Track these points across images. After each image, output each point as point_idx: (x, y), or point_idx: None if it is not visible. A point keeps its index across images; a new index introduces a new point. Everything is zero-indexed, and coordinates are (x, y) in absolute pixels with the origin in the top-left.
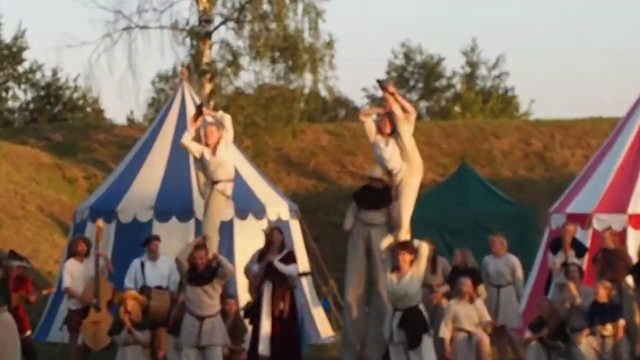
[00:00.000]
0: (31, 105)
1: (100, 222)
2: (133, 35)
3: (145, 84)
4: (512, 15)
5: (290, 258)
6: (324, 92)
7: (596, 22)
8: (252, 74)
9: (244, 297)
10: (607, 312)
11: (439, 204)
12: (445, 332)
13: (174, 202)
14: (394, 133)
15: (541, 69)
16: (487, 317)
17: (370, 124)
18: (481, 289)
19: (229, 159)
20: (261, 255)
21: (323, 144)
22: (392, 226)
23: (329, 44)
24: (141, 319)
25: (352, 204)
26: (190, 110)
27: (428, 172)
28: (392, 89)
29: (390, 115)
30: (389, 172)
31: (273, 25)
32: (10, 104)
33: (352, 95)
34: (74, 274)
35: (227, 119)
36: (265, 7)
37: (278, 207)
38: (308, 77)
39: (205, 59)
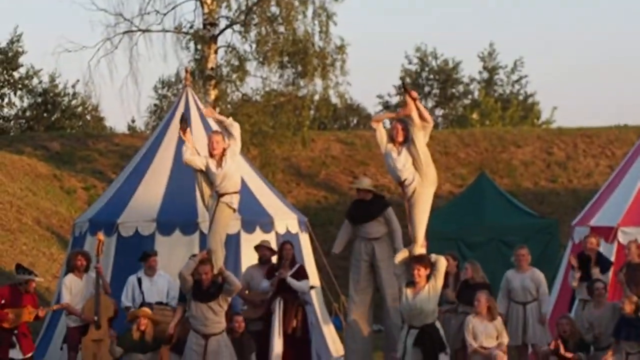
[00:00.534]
0: (27, 113)
1: (101, 235)
2: (134, 39)
3: (147, 90)
4: (531, 17)
5: (301, 273)
6: (334, 99)
7: (622, 27)
8: (259, 80)
9: None
10: (633, 327)
11: (456, 216)
12: (472, 342)
13: (178, 214)
14: (406, 142)
15: (563, 75)
16: (506, 338)
17: (381, 132)
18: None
19: (236, 171)
20: (270, 271)
21: (334, 154)
22: (391, 235)
23: (340, 48)
24: (152, 340)
25: (345, 223)
26: (195, 118)
27: (445, 183)
28: (415, 94)
29: (403, 123)
30: (401, 183)
31: (281, 29)
32: (5, 111)
33: (365, 102)
34: (73, 289)
35: (236, 128)
36: (274, 9)
37: (287, 220)
38: (318, 83)
39: (210, 64)
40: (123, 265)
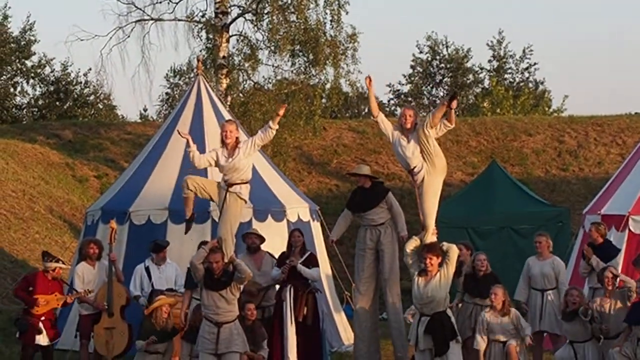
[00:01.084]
0: (40, 102)
1: (114, 223)
2: (146, 27)
3: (159, 79)
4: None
5: (312, 261)
6: (346, 88)
7: (633, 14)
8: (271, 69)
9: None
10: None
11: (467, 204)
12: (481, 343)
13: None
14: (415, 130)
15: (575, 63)
16: (527, 331)
17: (384, 121)
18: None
19: (247, 164)
20: (280, 259)
21: (345, 142)
22: (394, 220)
23: (352, 37)
24: (172, 328)
25: (344, 212)
26: (207, 107)
27: (456, 172)
28: (455, 104)
29: (411, 109)
30: (410, 171)
31: (293, 17)
32: (18, 100)
33: (376, 91)
34: (85, 278)
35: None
36: None
37: (298, 208)
38: (330, 71)
39: (222, 53)
40: (135, 254)
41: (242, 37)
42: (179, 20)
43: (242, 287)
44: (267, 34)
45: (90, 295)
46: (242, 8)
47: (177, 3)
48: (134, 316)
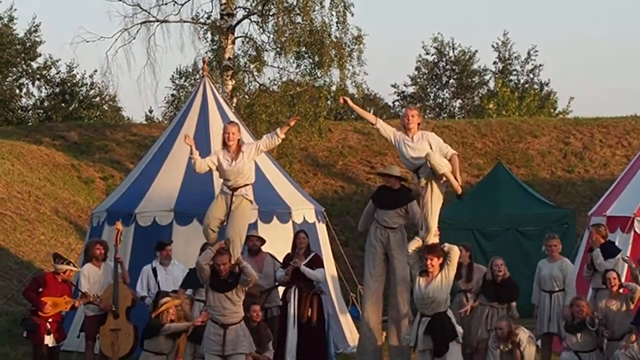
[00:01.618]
0: (46, 103)
1: (119, 225)
2: (152, 29)
3: (165, 80)
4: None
5: (316, 262)
6: (351, 89)
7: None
8: (276, 70)
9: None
10: None
11: (473, 206)
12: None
13: (195, 204)
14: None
15: (580, 65)
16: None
17: (383, 126)
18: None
19: (250, 168)
20: (285, 260)
21: (351, 144)
22: (416, 226)
23: (358, 39)
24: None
25: (369, 204)
26: (213, 109)
27: (461, 173)
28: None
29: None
30: (414, 172)
31: (299, 19)
32: (24, 101)
33: (382, 92)
34: (91, 279)
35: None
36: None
37: (304, 210)
38: (335, 73)
39: (228, 55)
40: (141, 255)
41: (247, 39)
42: (185, 21)
43: (246, 289)
44: (272, 35)
45: (98, 299)
46: (247, 10)
47: (182, 5)
48: (140, 317)
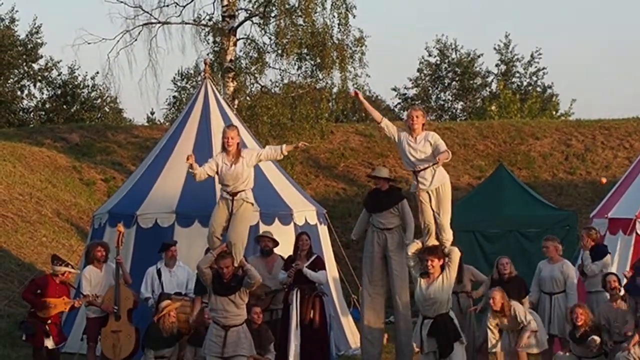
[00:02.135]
0: (47, 105)
1: (121, 227)
2: (154, 31)
3: (166, 82)
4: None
5: (318, 264)
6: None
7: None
8: (278, 72)
9: None
10: None
11: (475, 208)
12: (494, 342)
13: (197, 206)
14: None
15: (582, 67)
16: (529, 319)
17: (388, 124)
18: (525, 300)
19: (249, 172)
20: (287, 262)
21: (353, 146)
22: (404, 228)
23: (359, 41)
24: (177, 332)
25: (363, 211)
26: (214, 110)
27: (463, 175)
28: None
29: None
30: (415, 172)
31: (300, 21)
32: (25, 103)
33: (384, 95)
34: (93, 281)
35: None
36: (293, 1)
37: (305, 212)
38: (337, 75)
39: (229, 56)
40: (142, 257)
41: (249, 41)
42: (186, 23)
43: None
44: (274, 37)
45: (98, 299)
46: (249, 11)
47: (184, 6)
48: (143, 319)
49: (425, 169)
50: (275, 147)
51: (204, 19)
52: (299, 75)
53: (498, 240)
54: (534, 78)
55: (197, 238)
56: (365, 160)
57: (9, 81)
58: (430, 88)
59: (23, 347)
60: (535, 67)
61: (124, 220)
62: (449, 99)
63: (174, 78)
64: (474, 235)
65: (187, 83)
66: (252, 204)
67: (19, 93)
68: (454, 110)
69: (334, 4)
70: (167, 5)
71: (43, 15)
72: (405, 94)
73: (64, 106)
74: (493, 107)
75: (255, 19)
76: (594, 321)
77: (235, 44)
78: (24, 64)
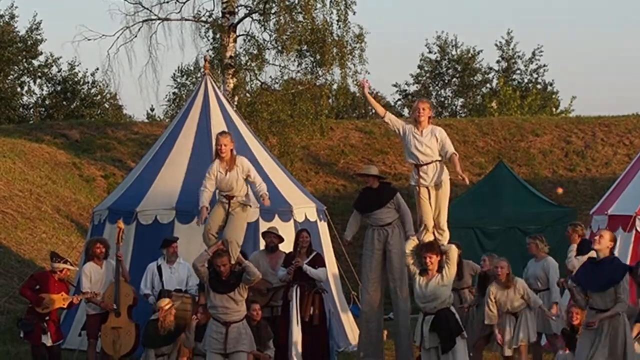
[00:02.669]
0: (47, 101)
1: (121, 223)
2: (154, 27)
3: (166, 78)
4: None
5: (318, 261)
6: (353, 88)
7: None
8: (277, 69)
9: None
10: None
11: (475, 205)
12: (491, 316)
13: (197, 202)
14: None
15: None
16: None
17: (392, 117)
18: None
19: (242, 183)
20: (287, 259)
21: (353, 142)
22: (402, 220)
23: (359, 37)
24: (174, 329)
25: (354, 212)
26: (214, 107)
27: (463, 172)
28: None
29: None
30: (418, 166)
31: (300, 17)
32: (25, 99)
33: (384, 91)
34: (93, 277)
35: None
36: None
37: (305, 208)
38: (337, 71)
39: (229, 53)
40: (142, 253)
41: (249, 37)
42: (186, 20)
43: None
44: (274, 34)
45: (98, 297)
46: (249, 8)
47: (184, 3)
48: (143, 315)
49: (428, 164)
50: (264, 189)
51: (203, 15)
52: (298, 71)
53: (497, 237)
54: (535, 75)
55: (197, 234)
56: (365, 157)
57: (9, 77)
58: (430, 84)
59: (23, 343)
60: (536, 64)
61: (123, 216)
62: (449, 96)
63: (174, 74)
64: (473, 232)
65: (187, 79)
66: (251, 206)
67: (18, 89)
68: (454, 107)
69: (333, 0)
70: (167, 2)
71: (43, 11)
72: (406, 90)
73: (64, 102)
74: (493, 104)
75: (255, 16)
76: None
77: (235, 41)
78: (24, 60)
